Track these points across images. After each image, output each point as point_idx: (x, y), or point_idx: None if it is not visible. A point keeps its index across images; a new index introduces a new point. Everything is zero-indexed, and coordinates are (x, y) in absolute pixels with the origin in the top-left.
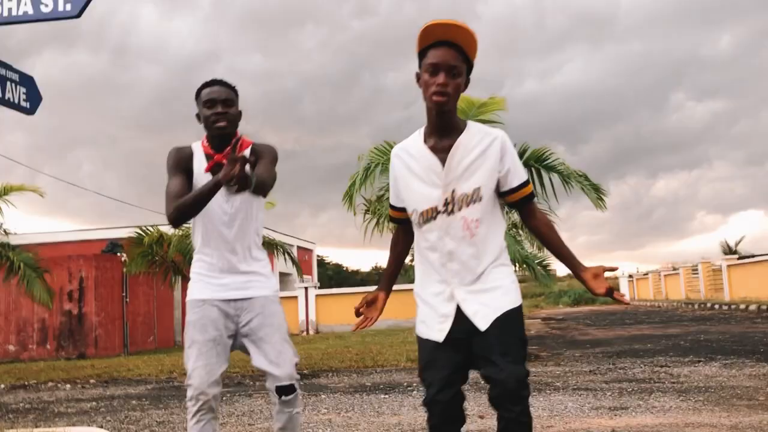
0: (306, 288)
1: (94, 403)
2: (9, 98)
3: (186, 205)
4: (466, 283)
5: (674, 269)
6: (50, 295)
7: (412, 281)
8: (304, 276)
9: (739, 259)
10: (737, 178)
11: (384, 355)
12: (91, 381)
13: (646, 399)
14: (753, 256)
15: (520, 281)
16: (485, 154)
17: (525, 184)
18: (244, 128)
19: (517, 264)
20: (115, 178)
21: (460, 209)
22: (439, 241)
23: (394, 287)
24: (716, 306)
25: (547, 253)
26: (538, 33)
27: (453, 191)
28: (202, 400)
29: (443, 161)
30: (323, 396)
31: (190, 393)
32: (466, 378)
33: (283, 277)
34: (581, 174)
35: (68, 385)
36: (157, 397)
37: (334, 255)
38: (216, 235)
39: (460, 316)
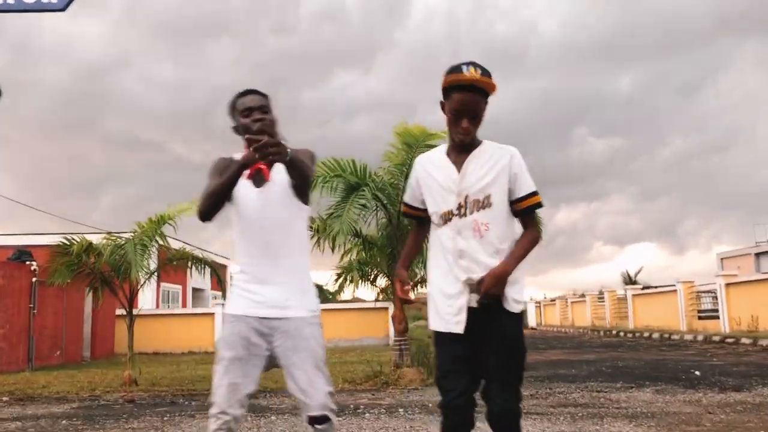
0: (222, 304)
1: (18, 423)
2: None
3: (211, 192)
4: (476, 275)
5: (581, 296)
6: None
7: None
8: (215, 292)
9: (642, 289)
10: (633, 212)
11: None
12: (4, 398)
13: (600, 424)
14: (655, 286)
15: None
16: (496, 166)
17: (532, 195)
18: (151, 136)
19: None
20: (7, 180)
21: (471, 213)
22: (452, 241)
23: (328, 306)
24: (621, 333)
25: None
26: (453, 63)
27: (466, 197)
28: (223, 419)
29: (459, 171)
30: (273, 418)
31: (212, 411)
32: (477, 383)
33: (197, 292)
34: None
35: None
36: (88, 417)
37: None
38: (254, 243)
39: (470, 311)
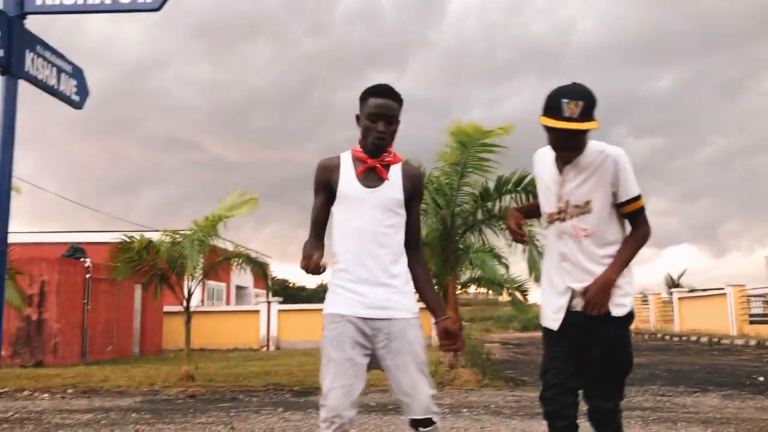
0: (269, 303)
1: (90, 414)
2: (63, 90)
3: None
4: (577, 280)
5: None
6: (22, 297)
7: None
8: (258, 290)
9: (689, 291)
10: (672, 214)
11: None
12: (69, 391)
13: (676, 429)
14: (702, 289)
15: (464, 304)
16: (599, 171)
17: (635, 200)
18: (189, 135)
19: (492, 285)
20: (49, 179)
21: (571, 218)
22: (555, 243)
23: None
24: (667, 336)
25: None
26: (488, 63)
27: (567, 202)
28: (338, 423)
29: (561, 173)
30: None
31: (324, 414)
32: (577, 371)
33: (240, 290)
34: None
35: (45, 395)
36: (155, 411)
37: (277, 270)
38: (359, 243)
39: (573, 314)
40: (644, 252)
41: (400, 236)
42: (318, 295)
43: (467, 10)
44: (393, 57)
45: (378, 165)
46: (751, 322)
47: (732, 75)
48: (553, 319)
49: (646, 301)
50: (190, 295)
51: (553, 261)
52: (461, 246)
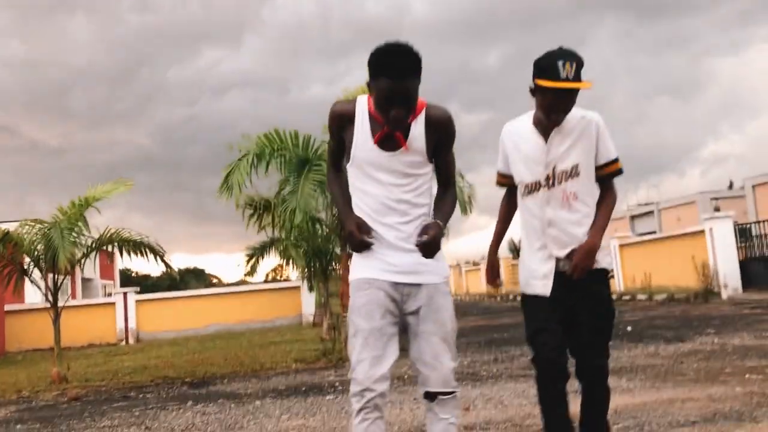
0: (125, 293)
1: None
2: None
3: (332, 197)
4: (563, 246)
5: (475, 264)
6: None
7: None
8: (105, 281)
9: None
10: None
11: (261, 360)
12: None
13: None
14: None
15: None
16: (583, 135)
17: (614, 162)
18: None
19: None
20: None
21: (560, 183)
22: (540, 210)
23: (216, 291)
24: (518, 297)
25: None
26: (325, 42)
27: (554, 168)
28: (368, 397)
29: (546, 142)
30: (258, 402)
31: (354, 389)
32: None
33: (86, 283)
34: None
35: None
36: (43, 419)
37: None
38: (384, 208)
39: (558, 276)
40: (479, 220)
41: (424, 198)
42: (163, 282)
43: None
44: (226, 33)
45: (397, 134)
46: None
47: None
48: (542, 285)
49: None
50: (57, 289)
51: (536, 229)
52: None
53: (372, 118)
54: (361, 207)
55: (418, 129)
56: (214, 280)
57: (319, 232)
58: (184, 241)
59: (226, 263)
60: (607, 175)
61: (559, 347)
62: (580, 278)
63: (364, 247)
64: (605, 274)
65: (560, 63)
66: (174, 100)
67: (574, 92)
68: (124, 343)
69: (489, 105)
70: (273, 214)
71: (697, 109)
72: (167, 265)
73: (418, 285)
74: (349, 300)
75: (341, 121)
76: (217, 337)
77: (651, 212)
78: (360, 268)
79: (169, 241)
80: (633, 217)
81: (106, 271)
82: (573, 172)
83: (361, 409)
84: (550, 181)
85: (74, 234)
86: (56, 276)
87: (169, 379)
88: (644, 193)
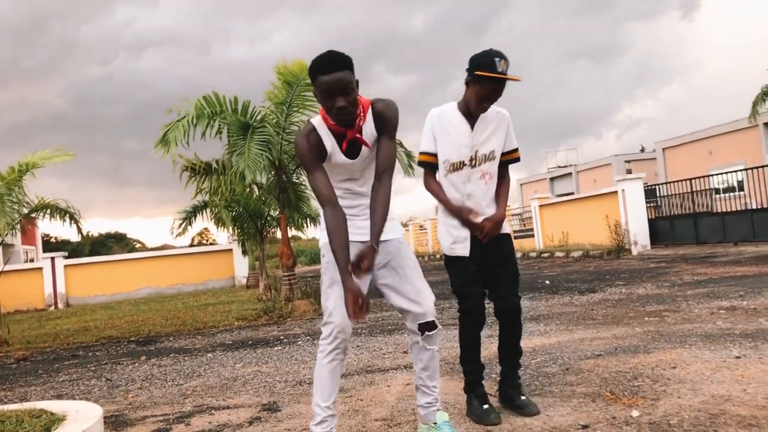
0: (53, 258)
1: None
2: None
3: (330, 240)
4: (477, 216)
5: (404, 225)
6: None
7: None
8: (26, 247)
9: None
10: None
11: (202, 319)
12: None
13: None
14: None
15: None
16: (499, 127)
17: (515, 150)
18: None
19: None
20: None
21: (480, 165)
22: (462, 185)
23: (147, 254)
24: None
25: None
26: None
27: (476, 152)
28: (340, 338)
29: (472, 129)
30: (210, 355)
31: (327, 331)
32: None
33: (6, 248)
34: (397, 141)
35: None
36: (1, 378)
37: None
38: (347, 182)
39: (473, 239)
40: (405, 182)
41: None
42: (83, 248)
43: None
44: None
45: (358, 136)
46: (515, 238)
47: (475, 15)
48: (463, 247)
49: (424, 227)
50: None
51: (456, 200)
52: (290, 183)
53: (332, 131)
54: (339, 181)
55: (368, 126)
56: (137, 245)
57: (255, 194)
58: (102, 206)
59: (148, 227)
60: (509, 160)
61: (483, 295)
62: (494, 240)
63: (359, 269)
64: (507, 235)
65: (497, 59)
66: (87, 58)
67: (505, 84)
68: (53, 308)
69: (415, 67)
70: (211, 178)
71: (614, 73)
72: (82, 235)
73: (385, 241)
74: (324, 258)
75: (315, 147)
76: (149, 300)
77: (569, 174)
78: None
79: (86, 206)
80: (552, 179)
81: (28, 237)
82: (490, 156)
83: (333, 350)
84: (473, 162)
85: (13, 199)
86: None
87: (114, 339)
88: (563, 155)
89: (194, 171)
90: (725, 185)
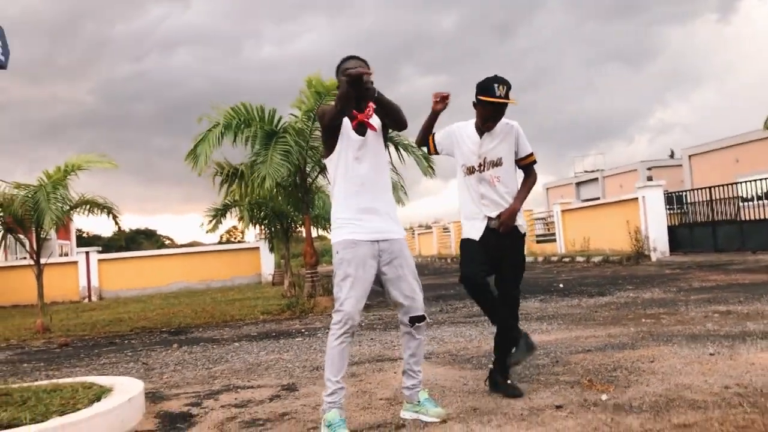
0: (87, 252)
1: None
2: None
3: (342, 99)
4: (493, 210)
5: (428, 228)
6: None
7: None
8: (61, 241)
9: None
10: None
11: (230, 312)
12: None
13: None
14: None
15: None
16: (506, 137)
17: (529, 155)
18: None
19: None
20: None
21: (488, 170)
22: (476, 186)
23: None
24: None
25: None
26: (277, 1)
27: (485, 159)
28: (350, 325)
29: (481, 140)
30: (236, 344)
31: (338, 317)
32: (492, 268)
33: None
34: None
35: None
36: (44, 359)
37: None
38: (360, 182)
39: (488, 231)
40: (430, 184)
41: (387, 173)
42: (115, 243)
43: None
44: None
45: (366, 120)
46: (537, 242)
47: (505, 17)
48: (475, 232)
49: (448, 229)
50: (39, 247)
51: (474, 198)
52: (314, 186)
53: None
54: (345, 183)
55: (375, 120)
56: (167, 241)
57: (281, 196)
58: (132, 202)
59: (177, 224)
60: (527, 164)
61: (479, 271)
62: (505, 233)
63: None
64: (521, 233)
65: (495, 86)
66: (119, 55)
67: (504, 106)
68: (87, 300)
69: (443, 68)
70: (241, 182)
71: (646, 77)
72: (119, 229)
73: (390, 240)
74: (337, 255)
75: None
76: (179, 294)
77: (596, 179)
78: (346, 231)
79: (117, 201)
80: (578, 184)
81: (63, 232)
82: (497, 162)
83: (342, 334)
84: (481, 168)
85: (58, 196)
86: (39, 235)
87: (147, 329)
88: (591, 160)
89: (222, 173)
90: (752, 194)
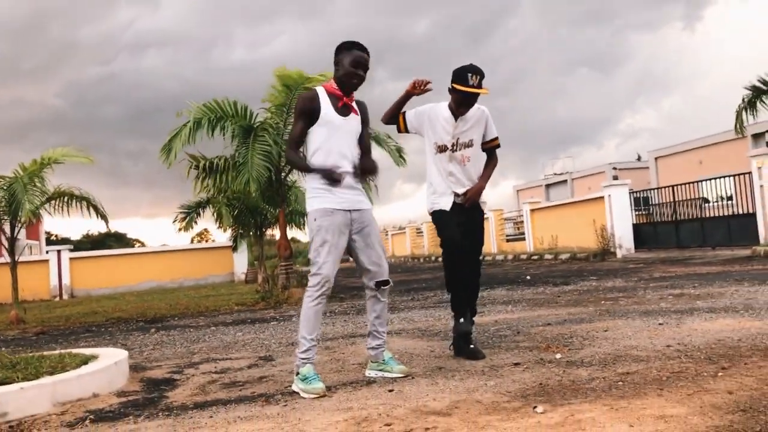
0: (59, 251)
1: None
2: None
3: (292, 164)
4: (460, 187)
5: (401, 229)
6: None
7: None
8: (30, 241)
9: None
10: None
11: (204, 304)
12: None
13: (491, 308)
14: None
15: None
16: (477, 121)
17: (495, 139)
18: None
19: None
20: None
21: (460, 150)
22: (446, 165)
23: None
24: (440, 259)
25: None
26: (247, 5)
27: (458, 139)
28: (326, 287)
29: (456, 121)
30: (213, 328)
31: (316, 281)
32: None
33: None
34: (387, 135)
35: None
36: (22, 344)
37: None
38: (337, 156)
39: (454, 205)
40: (405, 188)
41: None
42: (84, 245)
43: None
44: None
45: (350, 102)
46: (507, 240)
47: (477, 21)
48: (446, 204)
49: (421, 231)
50: (14, 240)
51: (443, 175)
52: (289, 180)
53: (330, 95)
54: (322, 156)
55: (354, 105)
56: (137, 245)
57: (256, 192)
58: (101, 205)
59: (147, 228)
60: (492, 147)
61: (457, 232)
62: (470, 207)
63: (336, 180)
64: (482, 211)
65: (469, 75)
66: (88, 58)
67: (477, 96)
68: (57, 299)
69: (416, 73)
70: (216, 177)
71: (616, 82)
72: (105, 220)
73: (361, 210)
74: (315, 222)
75: (312, 102)
76: (151, 292)
77: (565, 181)
78: (322, 200)
79: (87, 211)
80: (548, 186)
81: (32, 232)
82: (468, 144)
83: (319, 295)
84: (454, 147)
85: (35, 188)
86: (14, 228)
87: (123, 319)
88: (561, 163)
89: (197, 167)
90: (715, 195)
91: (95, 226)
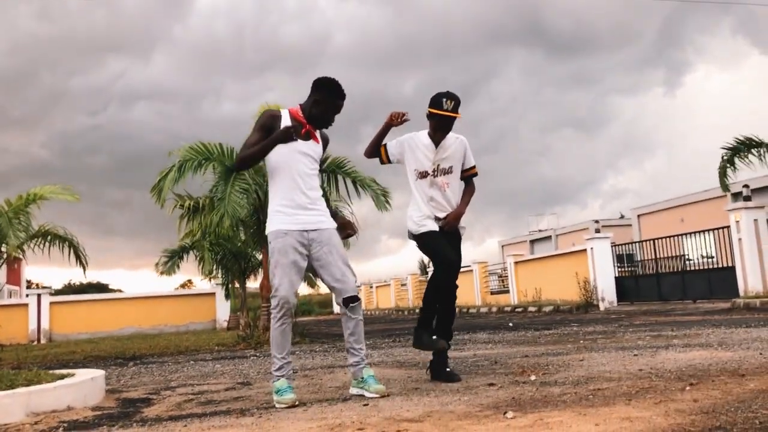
0: (39, 295)
1: None
2: None
3: (252, 154)
4: (441, 212)
5: (385, 282)
6: None
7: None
8: (11, 287)
9: None
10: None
11: (183, 345)
12: None
13: (474, 349)
14: None
15: None
16: (456, 148)
17: (472, 167)
18: None
19: None
20: None
21: (440, 176)
22: (427, 190)
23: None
24: None
25: None
26: (238, 61)
27: (438, 166)
28: (286, 308)
29: (436, 149)
30: (192, 362)
31: (275, 302)
32: None
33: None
34: (372, 179)
35: None
36: None
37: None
38: (297, 180)
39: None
40: (391, 243)
41: (317, 178)
42: (65, 291)
43: (215, 9)
44: (135, 47)
45: (311, 130)
46: (492, 293)
47: (464, 82)
48: (432, 225)
49: (405, 284)
50: None
51: (425, 200)
52: None
53: (293, 119)
54: (281, 177)
55: (317, 133)
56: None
57: (240, 236)
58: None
59: (130, 279)
60: (469, 175)
61: (451, 251)
62: (449, 231)
63: (294, 132)
64: (460, 235)
65: (444, 100)
66: (76, 108)
67: (452, 119)
68: (36, 343)
69: (402, 130)
70: (200, 217)
71: (599, 144)
72: (84, 267)
73: (319, 230)
74: (270, 244)
75: (274, 120)
76: (132, 337)
77: (549, 237)
78: (277, 222)
79: (68, 254)
80: (533, 242)
81: (13, 277)
82: (448, 170)
83: (282, 316)
84: (434, 173)
85: (21, 222)
86: None
87: (101, 357)
88: (546, 220)
89: (182, 207)
90: (697, 252)
91: (77, 276)
